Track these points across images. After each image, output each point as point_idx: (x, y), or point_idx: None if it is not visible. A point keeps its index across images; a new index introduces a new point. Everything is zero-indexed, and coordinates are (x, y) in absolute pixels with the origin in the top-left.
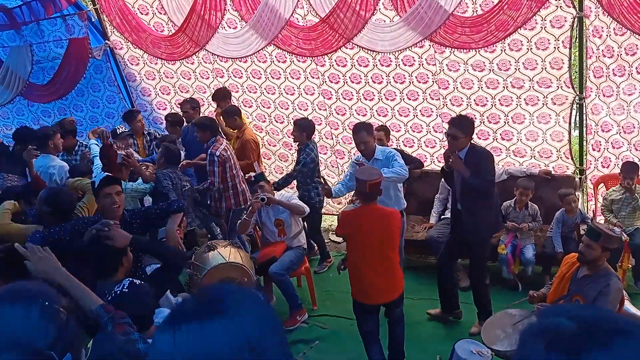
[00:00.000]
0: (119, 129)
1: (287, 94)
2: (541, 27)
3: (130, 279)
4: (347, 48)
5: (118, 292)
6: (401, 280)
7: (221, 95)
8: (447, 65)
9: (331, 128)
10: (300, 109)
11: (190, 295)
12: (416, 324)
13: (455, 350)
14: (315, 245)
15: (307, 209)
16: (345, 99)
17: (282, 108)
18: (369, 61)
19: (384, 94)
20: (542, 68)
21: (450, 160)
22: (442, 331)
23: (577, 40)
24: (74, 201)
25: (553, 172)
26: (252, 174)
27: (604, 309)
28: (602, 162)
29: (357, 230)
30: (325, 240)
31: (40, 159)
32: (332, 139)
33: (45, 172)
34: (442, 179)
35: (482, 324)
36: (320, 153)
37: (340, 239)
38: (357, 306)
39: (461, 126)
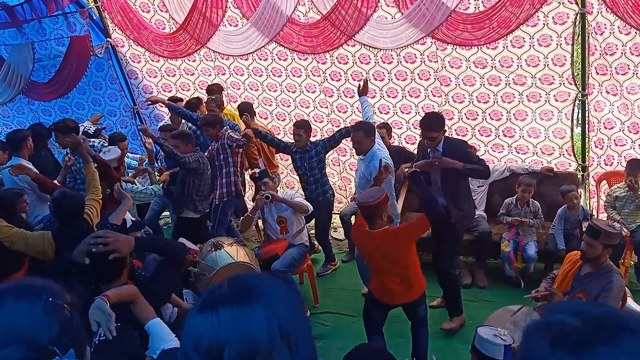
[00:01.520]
0: (90, 129)
1: (289, 91)
2: (543, 24)
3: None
4: (348, 45)
5: (97, 342)
6: (422, 282)
7: (215, 89)
8: (449, 62)
9: (333, 125)
10: (302, 107)
11: (212, 287)
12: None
13: (478, 332)
14: (315, 244)
15: (311, 208)
16: (346, 96)
17: (283, 105)
18: (370, 58)
19: (386, 92)
20: (544, 65)
21: (436, 163)
22: (439, 328)
23: (580, 37)
24: (80, 205)
25: (555, 169)
26: (257, 170)
27: (608, 305)
28: (605, 160)
29: (363, 252)
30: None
31: (11, 162)
32: None
33: (8, 175)
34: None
35: (453, 320)
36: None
37: (341, 236)
38: (372, 299)
39: (434, 126)
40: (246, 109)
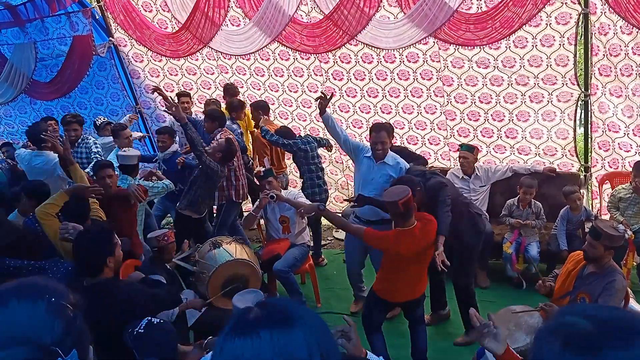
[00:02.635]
0: (98, 120)
1: (291, 91)
2: (546, 24)
3: (149, 318)
4: (351, 44)
5: (135, 333)
6: (426, 280)
7: (229, 89)
8: (451, 62)
9: None
10: (304, 107)
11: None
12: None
13: (486, 353)
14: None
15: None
16: (349, 96)
17: (285, 105)
18: (373, 58)
19: (388, 91)
20: (547, 65)
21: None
22: (433, 329)
23: (583, 37)
24: (85, 205)
25: (558, 170)
26: (261, 168)
27: (620, 309)
28: (609, 162)
29: (406, 254)
30: (329, 238)
31: (36, 157)
32: None
33: (47, 169)
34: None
35: (468, 335)
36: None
37: (343, 236)
38: (375, 298)
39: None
40: (260, 107)
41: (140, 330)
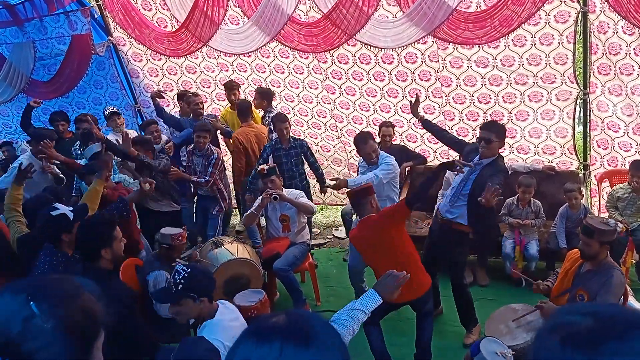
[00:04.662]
0: (107, 110)
1: (292, 87)
2: (545, 22)
3: (184, 264)
4: (348, 45)
5: (184, 273)
6: (425, 277)
7: (229, 86)
8: (450, 62)
9: (336, 121)
10: (305, 102)
11: (279, 314)
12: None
13: (480, 350)
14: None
15: (316, 209)
16: (348, 94)
17: (287, 101)
18: (370, 58)
19: (386, 92)
20: (546, 64)
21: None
22: (442, 328)
23: (582, 35)
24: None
25: (557, 168)
26: (265, 166)
27: (618, 305)
28: (608, 160)
29: (362, 251)
30: (329, 236)
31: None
32: (337, 131)
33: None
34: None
35: (473, 332)
36: (328, 141)
37: (343, 235)
38: None
39: (495, 130)
40: (239, 111)
41: (188, 271)
